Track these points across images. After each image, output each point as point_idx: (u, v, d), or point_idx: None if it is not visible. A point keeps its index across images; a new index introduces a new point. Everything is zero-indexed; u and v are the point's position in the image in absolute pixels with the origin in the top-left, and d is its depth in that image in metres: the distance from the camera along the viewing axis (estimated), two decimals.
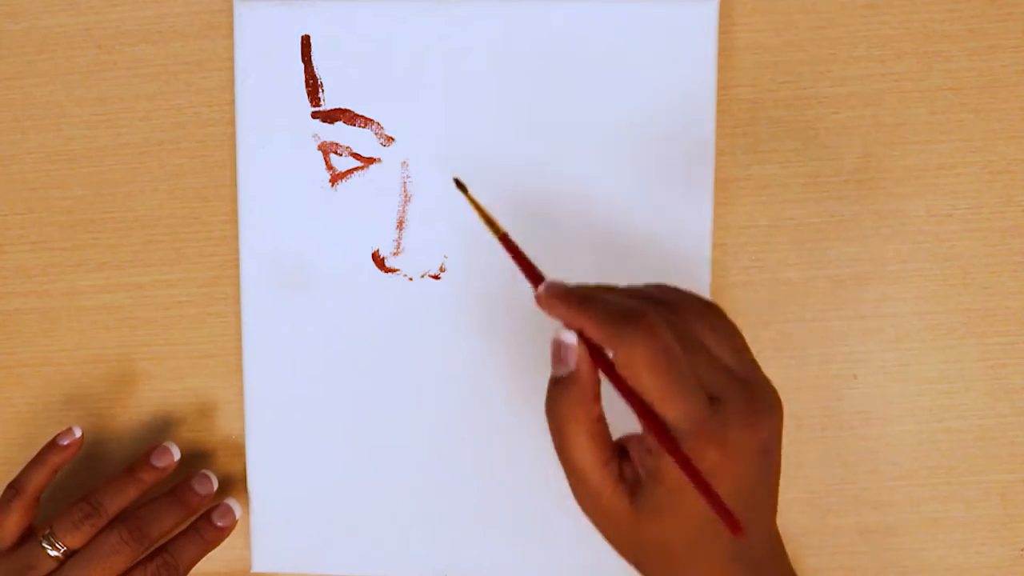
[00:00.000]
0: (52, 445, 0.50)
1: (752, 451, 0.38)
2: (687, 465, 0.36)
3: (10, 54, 0.53)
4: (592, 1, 0.49)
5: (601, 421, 0.39)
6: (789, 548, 0.51)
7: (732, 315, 0.51)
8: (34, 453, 0.50)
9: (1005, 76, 0.50)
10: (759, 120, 0.51)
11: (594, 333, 0.38)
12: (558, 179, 0.50)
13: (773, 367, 0.51)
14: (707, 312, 0.40)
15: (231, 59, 0.51)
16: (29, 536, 0.49)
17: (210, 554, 0.53)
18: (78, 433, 0.50)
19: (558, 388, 0.39)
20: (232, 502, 0.51)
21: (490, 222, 0.42)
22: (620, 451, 0.40)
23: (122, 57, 0.52)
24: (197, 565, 0.53)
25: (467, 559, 0.52)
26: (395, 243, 0.51)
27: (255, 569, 0.52)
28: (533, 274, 0.41)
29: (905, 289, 0.51)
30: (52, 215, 0.53)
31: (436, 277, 0.51)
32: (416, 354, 0.51)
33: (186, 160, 0.52)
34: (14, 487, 0.49)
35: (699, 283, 0.50)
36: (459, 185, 0.43)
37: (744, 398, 0.38)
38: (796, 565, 0.51)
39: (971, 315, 0.51)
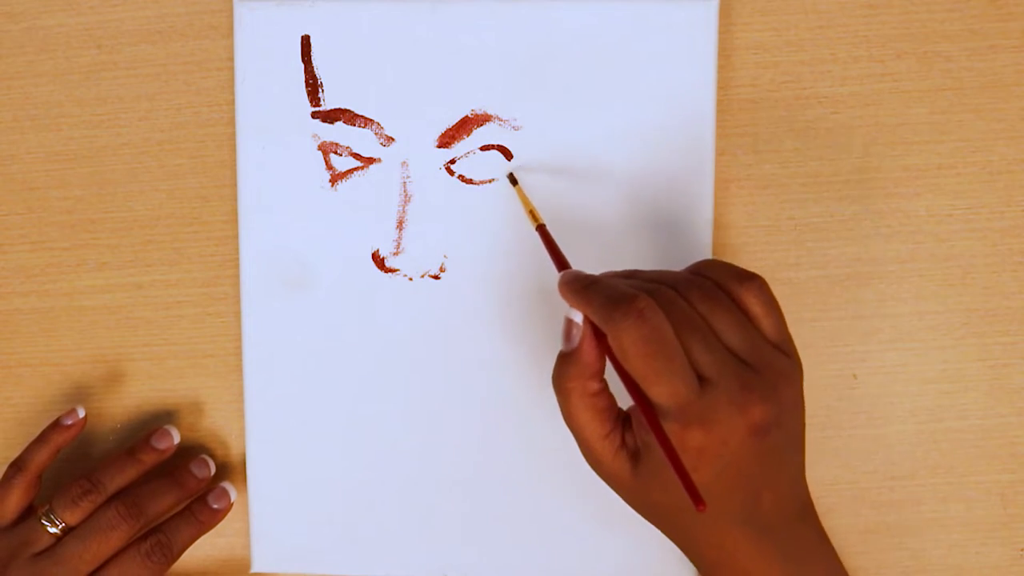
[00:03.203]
0: (55, 425, 0.51)
1: (742, 433, 0.39)
2: (664, 443, 0.38)
3: (10, 54, 0.53)
4: (592, 1, 0.49)
5: (600, 395, 0.42)
6: None
7: None
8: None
9: (1005, 76, 0.50)
10: (759, 120, 0.51)
11: (592, 317, 0.40)
12: (558, 178, 0.50)
13: None
14: (716, 293, 0.41)
15: (231, 59, 0.51)
16: (29, 514, 0.49)
17: (210, 554, 0.53)
18: (81, 413, 0.51)
19: (562, 362, 0.42)
20: (227, 485, 0.52)
21: (532, 213, 0.48)
22: (625, 420, 0.42)
23: (122, 57, 0.52)
24: (197, 565, 0.53)
25: (467, 559, 0.52)
26: (395, 243, 0.51)
27: (255, 569, 0.52)
28: (560, 263, 0.45)
29: (905, 289, 0.51)
30: (52, 215, 0.53)
31: (436, 277, 0.51)
32: (416, 354, 0.51)
33: (186, 160, 0.52)
34: (16, 465, 0.50)
35: None
36: (512, 179, 0.50)
37: (738, 380, 0.39)
38: None
39: (971, 315, 0.51)
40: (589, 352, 0.41)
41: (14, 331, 0.54)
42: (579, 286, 0.41)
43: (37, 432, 0.51)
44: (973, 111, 0.50)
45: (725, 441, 0.39)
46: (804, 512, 0.43)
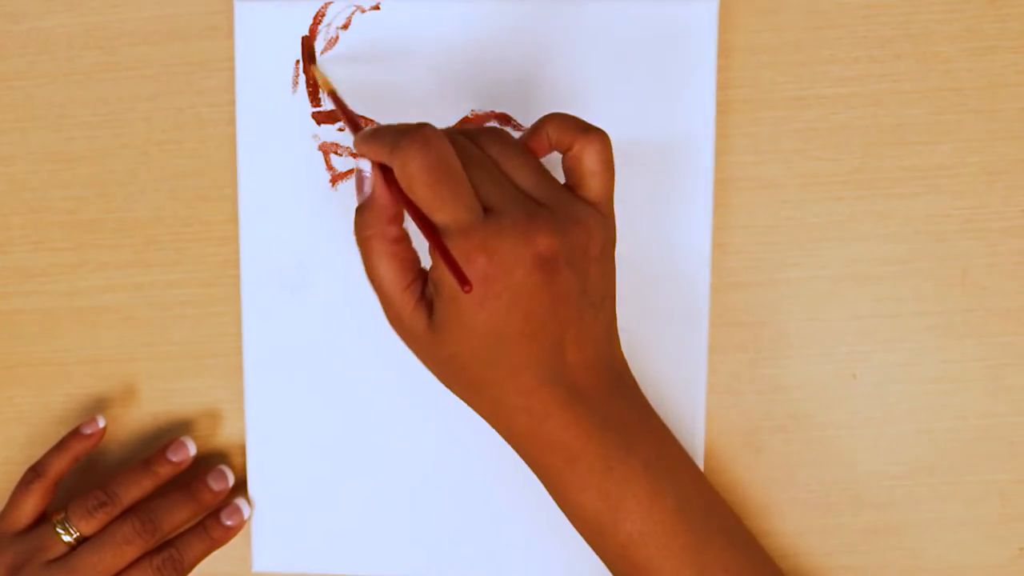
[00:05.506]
0: (75, 433, 0.51)
1: (528, 263, 0.38)
2: (445, 256, 0.38)
3: (12, 55, 0.53)
4: (592, 1, 0.50)
5: (400, 243, 0.41)
6: (788, 547, 0.52)
7: (732, 315, 0.51)
8: (35, 453, 0.51)
9: (1005, 76, 0.50)
10: (759, 120, 0.51)
11: (378, 154, 0.40)
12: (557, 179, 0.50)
13: (773, 367, 0.51)
14: (510, 140, 0.41)
15: (232, 59, 0.51)
16: (43, 520, 0.50)
17: (212, 553, 0.53)
18: (102, 423, 0.51)
19: (358, 213, 0.41)
20: (241, 502, 0.51)
21: (324, 82, 0.48)
22: (426, 276, 0.41)
23: (123, 58, 0.52)
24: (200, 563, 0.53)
25: (467, 559, 0.52)
26: None
27: (255, 569, 0.52)
28: (355, 126, 0.44)
29: (904, 289, 0.51)
30: (53, 215, 0.53)
31: None
32: None
33: (187, 160, 0.53)
34: (35, 470, 0.50)
35: (699, 283, 0.50)
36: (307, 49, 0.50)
37: (525, 213, 0.39)
38: (795, 565, 0.52)
39: (971, 315, 0.51)
40: (382, 195, 0.40)
41: (15, 331, 0.54)
42: (369, 132, 0.41)
43: (38, 432, 0.52)
44: (973, 111, 0.50)
45: (510, 270, 0.38)
46: (620, 383, 0.42)
